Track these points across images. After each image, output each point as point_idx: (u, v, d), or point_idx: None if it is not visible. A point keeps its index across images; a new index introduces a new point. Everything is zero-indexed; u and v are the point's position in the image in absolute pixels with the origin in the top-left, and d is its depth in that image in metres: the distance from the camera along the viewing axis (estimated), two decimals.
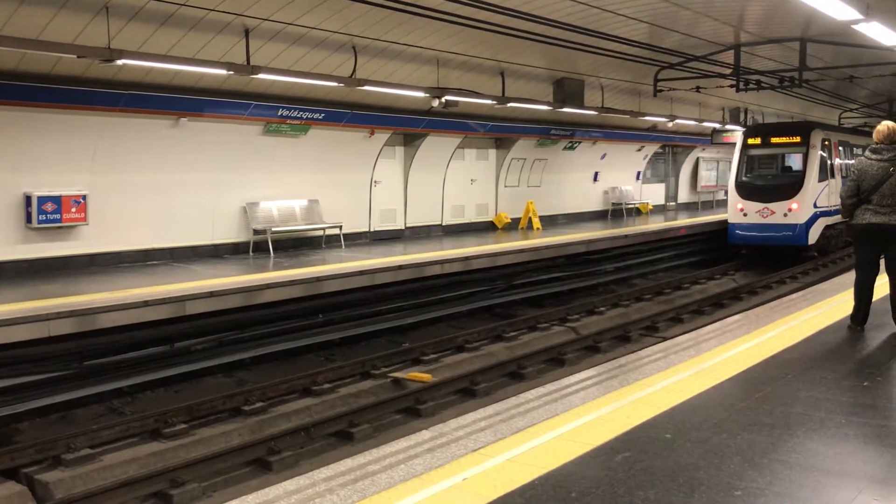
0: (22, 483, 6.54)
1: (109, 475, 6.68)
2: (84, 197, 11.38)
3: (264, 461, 7.05)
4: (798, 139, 18.85)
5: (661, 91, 18.21)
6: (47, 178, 11.07)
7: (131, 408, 8.56)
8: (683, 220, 22.23)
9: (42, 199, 10.92)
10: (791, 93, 21.45)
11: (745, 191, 18.80)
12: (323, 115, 14.09)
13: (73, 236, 11.59)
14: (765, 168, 19.45)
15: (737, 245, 19.16)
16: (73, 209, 11.26)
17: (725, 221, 19.53)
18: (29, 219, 10.96)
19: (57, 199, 11.06)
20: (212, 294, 9.66)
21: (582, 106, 17.33)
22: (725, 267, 18.91)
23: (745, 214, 18.63)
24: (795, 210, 18.11)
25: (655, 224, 21.16)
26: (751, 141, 19.25)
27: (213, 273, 11.30)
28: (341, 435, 7.81)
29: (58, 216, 11.09)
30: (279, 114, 13.45)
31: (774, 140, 19.10)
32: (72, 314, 8.37)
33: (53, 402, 8.21)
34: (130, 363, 9.16)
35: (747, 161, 19.19)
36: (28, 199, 10.92)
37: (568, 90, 17.08)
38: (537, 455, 4.28)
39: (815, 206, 18.30)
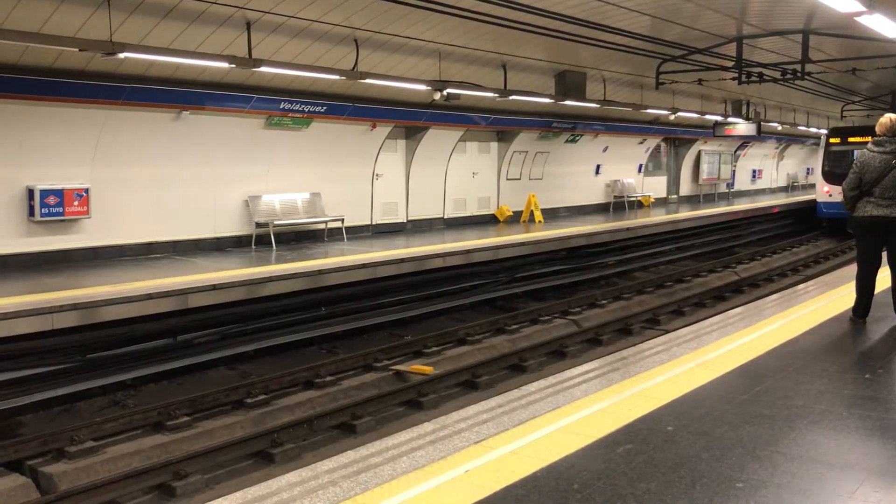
0: (26, 475, 6.57)
1: (113, 467, 6.71)
2: (86, 190, 11.38)
3: (267, 453, 7.08)
4: (870, 138, 22.65)
5: (663, 84, 18.22)
6: (50, 171, 11.08)
7: (134, 400, 8.58)
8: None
9: (44, 193, 10.92)
10: (793, 85, 21.55)
11: (830, 177, 23.80)
12: (325, 108, 14.08)
13: (76, 229, 11.59)
14: (844, 160, 23.43)
15: (821, 218, 24.73)
16: (76, 202, 11.26)
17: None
18: (31, 212, 10.96)
19: (59, 193, 11.07)
20: (215, 287, 9.68)
21: (584, 99, 17.29)
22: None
23: (830, 196, 23.44)
24: None
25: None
26: (832, 140, 24.79)
27: (215, 266, 11.31)
28: (344, 427, 7.84)
29: (60, 209, 11.10)
30: (281, 107, 13.44)
31: (851, 139, 24.16)
32: (75, 307, 8.38)
33: (57, 394, 8.23)
34: (133, 356, 9.19)
35: (830, 155, 24.60)
36: (31, 192, 10.92)
37: (570, 83, 17.03)
38: (539, 447, 4.30)
39: None
